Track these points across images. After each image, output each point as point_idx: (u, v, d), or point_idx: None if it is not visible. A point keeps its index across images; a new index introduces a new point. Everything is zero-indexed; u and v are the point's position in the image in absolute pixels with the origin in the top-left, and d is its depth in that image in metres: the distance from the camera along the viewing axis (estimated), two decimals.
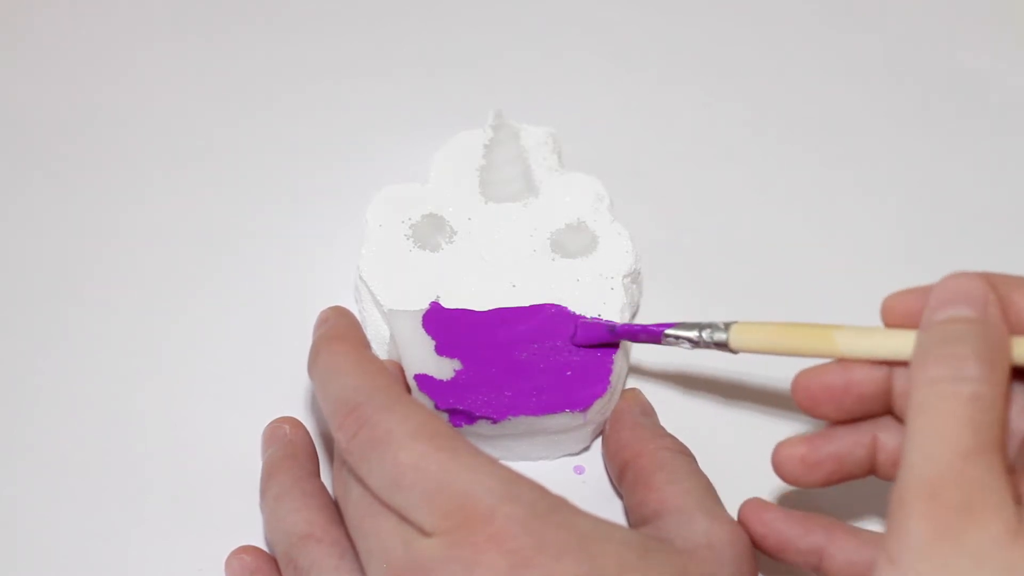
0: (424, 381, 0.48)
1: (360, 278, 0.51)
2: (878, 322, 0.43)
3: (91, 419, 0.51)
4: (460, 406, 0.48)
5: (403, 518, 0.40)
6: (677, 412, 0.50)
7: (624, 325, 0.49)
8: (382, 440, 0.40)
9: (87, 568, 0.48)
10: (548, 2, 0.64)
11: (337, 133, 0.59)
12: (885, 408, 0.44)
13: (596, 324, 0.49)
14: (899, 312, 0.43)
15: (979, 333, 0.39)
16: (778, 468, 0.44)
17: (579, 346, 0.49)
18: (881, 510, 0.43)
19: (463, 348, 0.49)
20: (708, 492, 0.45)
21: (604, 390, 0.48)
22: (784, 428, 0.50)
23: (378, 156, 0.59)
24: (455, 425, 0.48)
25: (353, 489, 0.42)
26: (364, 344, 0.45)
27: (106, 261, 0.55)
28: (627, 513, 0.48)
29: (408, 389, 0.48)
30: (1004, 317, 0.40)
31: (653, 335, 0.47)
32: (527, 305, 0.50)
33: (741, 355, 0.46)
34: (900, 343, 0.42)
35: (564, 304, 0.50)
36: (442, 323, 0.50)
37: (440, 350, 0.49)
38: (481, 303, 0.50)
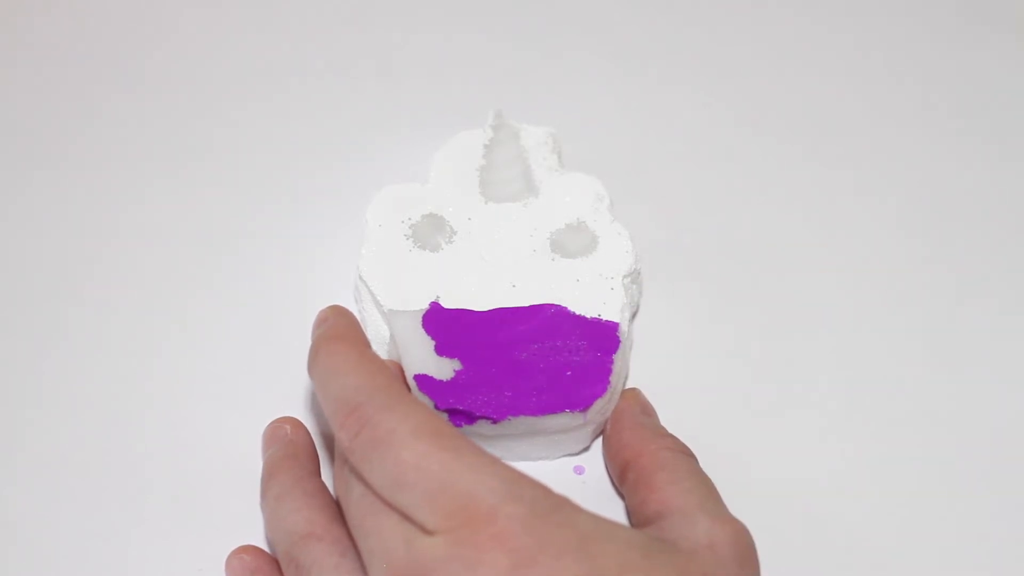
0: (424, 381, 0.48)
1: (360, 278, 0.52)
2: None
3: (91, 419, 0.51)
4: (460, 406, 0.48)
5: (405, 517, 0.40)
6: (677, 412, 0.50)
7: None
8: (384, 439, 0.40)
9: (87, 568, 0.48)
10: (548, 2, 0.64)
11: (337, 133, 0.59)
12: None
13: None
14: None
15: None
16: None
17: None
18: None
19: (463, 348, 0.49)
20: (710, 492, 0.45)
21: (604, 390, 0.48)
22: (784, 428, 0.50)
23: (378, 156, 0.59)
24: (455, 425, 0.48)
25: (354, 488, 0.42)
26: (364, 343, 0.45)
27: (106, 261, 0.55)
28: (628, 513, 0.48)
29: (408, 389, 0.48)
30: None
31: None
32: (527, 305, 0.50)
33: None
34: None
35: (564, 304, 0.50)
36: (442, 323, 0.50)
37: (440, 350, 0.49)
38: (481, 303, 0.50)
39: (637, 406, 0.49)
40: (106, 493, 0.49)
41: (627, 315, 0.51)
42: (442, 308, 0.50)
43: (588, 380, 0.48)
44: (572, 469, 0.50)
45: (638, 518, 0.46)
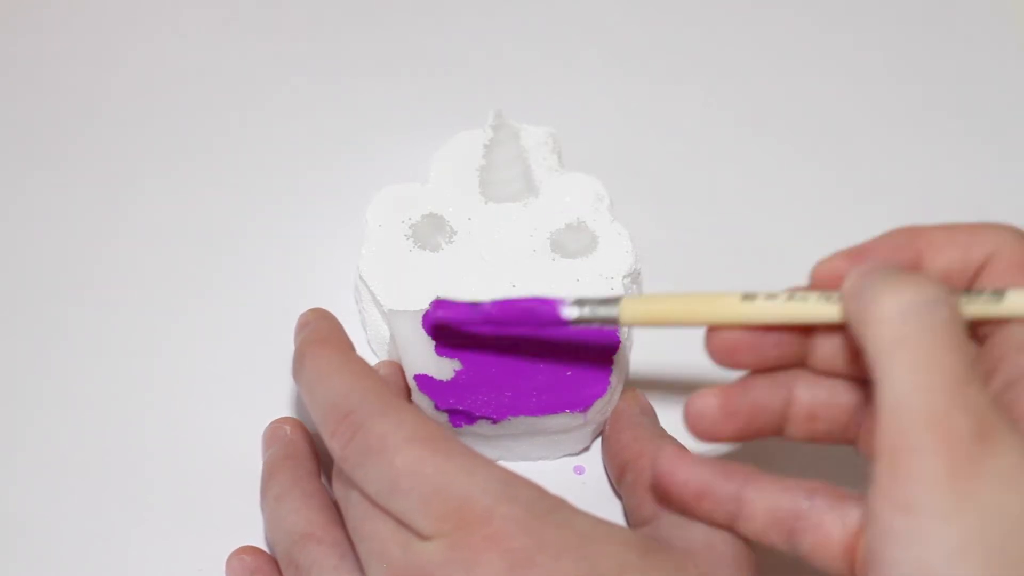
0: (424, 381, 0.48)
1: (360, 278, 0.51)
2: None
3: (91, 419, 0.51)
4: (460, 406, 0.48)
5: (401, 522, 0.40)
6: (677, 412, 0.50)
7: (493, 304, 0.47)
8: (377, 445, 0.40)
9: (87, 568, 0.48)
10: (548, 2, 0.64)
11: (337, 133, 0.59)
12: (800, 358, 0.42)
13: (455, 302, 0.48)
14: (827, 277, 0.41)
15: (921, 272, 0.38)
16: (691, 419, 0.42)
17: (431, 331, 0.48)
18: None
19: (463, 348, 0.49)
20: None
21: (604, 390, 0.48)
22: None
23: (378, 156, 0.59)
24: (455, 425, 0.48)
25: (351, 493, 0.42)
26: (349, 346, 0.44)
27: (106, 261, 0.55)
28: (627, 514, 0.48)
29: (408, 389, 0.48)
30: (907, 244, 0.40)
31: (524, 314, 0.46)
32: None
33: None
34: (809, 307, 0.40)
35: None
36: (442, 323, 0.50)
37: (440, 350, 0.49)
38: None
39: (637, 406, 0.49)
40: (106, 493, 0.49)
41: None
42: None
43: (588, 380, 0.48)
44: (572, 469, 0.50)
45: (636, 518, 0.46)
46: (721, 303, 0.42)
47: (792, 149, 0.59)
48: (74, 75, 0.61)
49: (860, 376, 0.41)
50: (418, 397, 0.48)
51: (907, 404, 0.35)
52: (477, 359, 0.49)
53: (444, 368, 0.48)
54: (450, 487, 0.39)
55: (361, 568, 0.42)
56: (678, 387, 0.52)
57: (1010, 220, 0.57)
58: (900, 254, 0.40)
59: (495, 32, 0.63)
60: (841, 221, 0.57)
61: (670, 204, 0.57)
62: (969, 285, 0.40)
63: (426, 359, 0.48)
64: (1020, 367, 0.37)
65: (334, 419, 0.41)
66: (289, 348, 0.46)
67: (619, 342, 0.49)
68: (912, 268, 0.40)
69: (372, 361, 0.51)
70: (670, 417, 0.49)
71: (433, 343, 0.49)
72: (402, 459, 0.40)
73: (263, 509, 0.47)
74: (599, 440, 0.50)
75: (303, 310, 0.47)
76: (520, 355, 0.49)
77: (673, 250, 0.55)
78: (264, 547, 0.48)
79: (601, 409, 0.49)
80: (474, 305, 0.47)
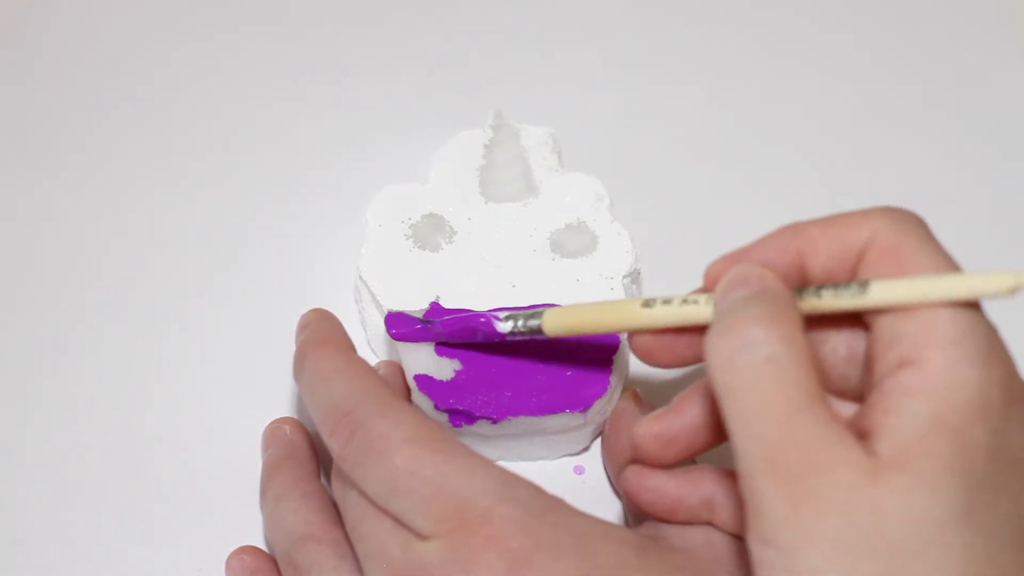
0: (424, 381, 0.48)
1: (360, 278, 0.51)
2: None
3: (91, 419, 0.51)
4: (460, 406, 0.48)
5: (400, 522, 0.40)
6: None
7: (446, 323, 0.48)
8: (376, 446, 0.40)
9: (88, 568, 0.48)
10: (548, 2, 0.64)
11: (337, 133, 0.59)
12: None
13: (410, 320, 0.49)
14: (715, 280, 0.42)
15: (755, 299, 0.38)
16: (638, 449, 0.43)
17: (396, 339, 0.48)
18: None
19: (463, 348, 0.49)
20: None
21: (604, 390, 0.48)
22: None
23: (378, 156, 0.59)
24: (455, 425, 0.48)
25: (350, 493, 0.42)
26: (349, 347, 0.45)
27: (107, 261, 0.55)
28: (626, 513, 0.48)
29: (407, 389, 0.48)
30: (792, 240, 0.40)
31: (470, 331, 0.47)
32: (527, 305, 0.50)
33: None
34: (699, 309, 0.41)
35: (564, 304, 0.50)
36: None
37: (440, 350, 0.49)
38: (481, 303, 0.50)
39: (637, 406, 0.49)
40: (107, 493, 0.49)
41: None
42: (442, 308, 0.50)
43: (588, 380, 0.48)
44: (572, 469, 0.50)
45: (636, 517, 0.46)
46: (625, 310, 0.43)
47: (792, 149, 0.59)
48: (74, 76, 0.62)
49: None
50: (418, 397, 0.48)
51: (745, 453, 0.36)
52: (477, 359, 0.49)
53: (444, 368, 0.48)
54: (449, 487, 0.39)
55: (360, 568, 0.42)
56: (678, 387, 0.52)
57: (1010, 220, 0.57)
58: (782, 256, 0.41)
59: (495, 32, 0.63)
60: None
61: (670, 204, 0.57)
62: (851, 276, 0.40)
63: (426, 359, 0.48)
64: (886, 364, 0.37)
65: (334, 419, 0.41)
66: (289, 348, 0.46)
67: (619, 342, 0.49)
68: (793, 269, 0.40)
69: (372, 361, 0.51)
70: None
71: (433, 343, 0.49)
72: (401, 459, 0.40)
73: (262, 509, 0.47)
74: (599, 440, 0.50)
75: (303, 310, 0.47)
76: (520, 355, 0.49)
77: (673, 250, 0.55)
78: (264, 547, 0.48)
79: (601, 409, 0.49)
80: (425, 325, 0.48)
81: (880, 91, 0.62)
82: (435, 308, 0.50)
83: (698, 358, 0.43)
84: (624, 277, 0.51)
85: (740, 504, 0.40)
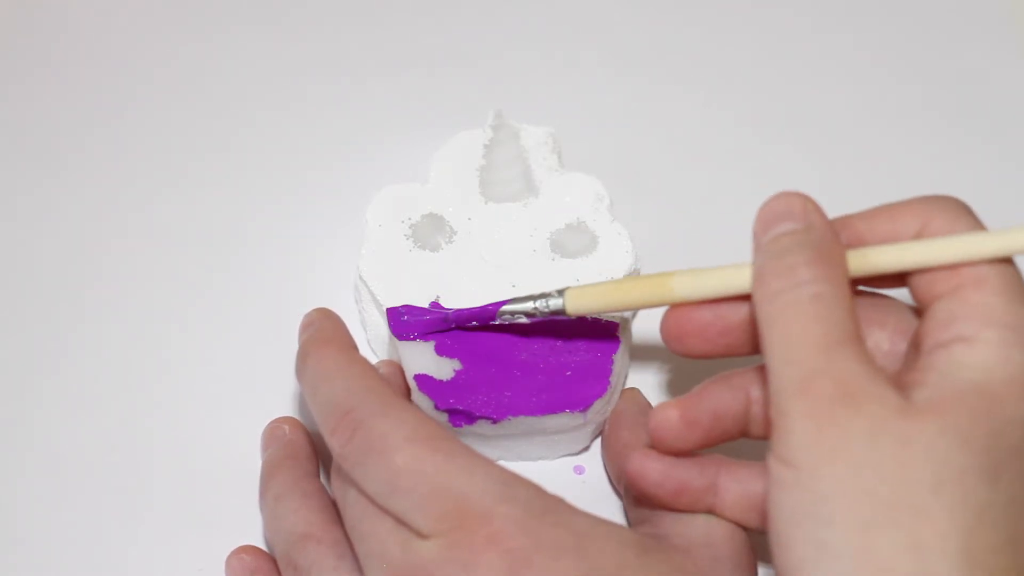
0: (424, 381, 0.48)
1: (360, 278, 0.51)
2: None
3: (92, 419, 0.51)
4: (460, 406, 0.48)
5: (400, 521, 0.40)
6: None
7: (456, 312, 0.49)
8: (377, 444, 0.40)
9: (88, 568, 0.48)
10: (548, 2, 0.64)
11: (337, 133, 0.59)
12: (753, 345, 0.43)
13: (422, 311, 0.49)
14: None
15: (805, 240, 0.39)
16: (656, 432, 0.43)
17: (404, 339, 0.49)
18: None
19: (463, 348, 0.49)
20: None
21: (604, 390, 0.48)
22: None
23: (378, 156, 0.59)
24: (455, 425, 0.48)
25: (350, 492, 0.42)
26: (352, 346, 0.45)
27: (107, 261, 0.55)
28: (626, 512, 0.48)
29: (408, 389, 0.48)
30: (838, 231, 0.41)
31: (488, 315, 0.47)
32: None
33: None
34: (735, 278, 0.42)
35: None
36: None
37: (440, 350, 0.49)
38: (481, 303, 0.50)
39: (636, 406, 0.49)
40: (107, 492, 0.49)
41: (627, 315, 0.51)
42: (442, 308, 0.50)
43: (588, 380, 0.48)
44: (572, 469, 0.50)
45: (636, 517, 0.46)
46: (653, 285, 0.44)
47: (792, 149, 0.59)
48: (75, 76, 0.61)
49: None
50: (418, 397, 0.48)
51: (779, 376, 0.38)
52: (477, 359, 0.49)
53: (444, 368, 0.48)
54: (449, 487, 0.39)
55: (360, 568, 0.42)
56: (678, 387, 0.52)
57: (1010, 220, 0.57)
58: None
59: (495, 32, 0.63)
60: None
61: (670, 204, 0.57)
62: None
63: (426, 359, 0.48)
64: (939, 340, 0.38)
65: (335, 417, 0.42)
66: (289, 348, 0.46)
67: (619, 342, 0.49)
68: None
69: (372, 361, 0.51)
70: None
71: (433, 342, 0.49)
72: (402, 458, 0.40)
73: (262, 509, 0.47)
74: (599, 440, 0.50)
75: (303, 310, 0.47)
76: (520, 355, 0.49)
77: (673, 250, 0.55)
78: (264, 547, 0.48)
79: (601, 409, 0.49)
80: (441, 314, 0.49)
81: (880, 91, 0.62)
82: (435, 308, 0.50)
83: (731, 349, 0.43)
84: (624, 277, 0.51)
85: (745, 493, 0.42)
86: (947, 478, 0.36)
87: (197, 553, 0.48)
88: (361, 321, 0.53)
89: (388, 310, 0.49)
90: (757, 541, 0.44)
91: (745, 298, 0.41)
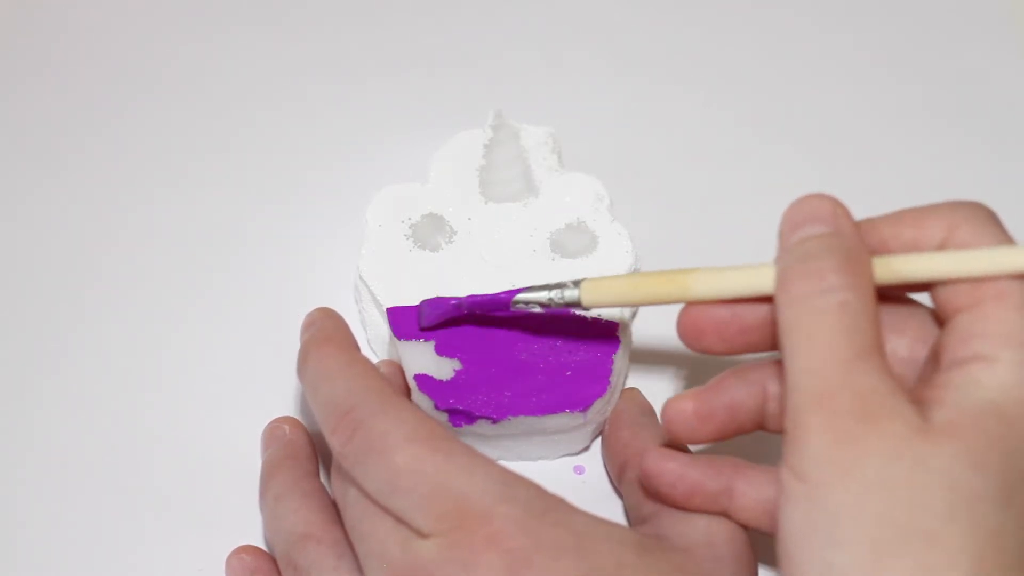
0: (424, 381, 0.48)
1: (360, 278, 0.52)
2: None
3: (91, 419, 0.51)
4: (460, 406, 0.48)
5: (400, 521, 0.40)
6: None
7: (471, 297, 0.48)
8: (377, 444, 0.40)
9: (88, 568, 0.48)
10: (548, 2, 0.64)
11: (337, 133, 0.59)
12: (771, 343, 0.42)
13: (440, 300, 0.49)
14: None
15: (834, 245, 0.39)
16: (670, 424, 0.43)
17: (426, 328, 0.48)
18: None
19: (463, 348, 0.49)
20: None
21: (604, 390, 0.48)
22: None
23: (378, 156, 0.59)
24: (455, 425, 0.48)
25: (350, 491, 0.42)
26: (353, 346, 0.45)
27: (107, 261, 0.55)
28: (627, 512, 0.48)
29: (408, 389, 0.48)
30: (863, 235, 0.40)
31: (502, 304, 0.47)
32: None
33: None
34: (755, 278, 0.41)
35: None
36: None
37: (440, 350, 0.49)
38: None
39: (636, 406, 0.49)
40: (107, 493, 0.49)
41: (627, 314, 0.51)
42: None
43: (588, 380, 0.48)
44: (572, 469, 0.50)
45: (636, 517, 0.46)
46: (671, 281, 0.43)
47: (792, 149, 0.59)
48: (75, 76, 0.62)
49: None
50: (418, 397, 0.48)
51: (798, 385, 0.37)
52: (477, 359, 0.49)
53: (444, 368, 0.48)
54: (449, 486, 0.39)
55: (360, 567, 0.42)
56: (678, 387, 0.52)
57: (1010, 220, 0.57)
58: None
59: (495, 32, 0.63)
60: None
61: (670, 204, 0.57)
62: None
63: (426, 359, 0.48)
64: (957, 356, 0.38)
65: (335, 417, 0.42)
66: (290, 348, 0.46)
67: (619, 342, 0.49)
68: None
69: (372, 361, 0.51)
70: None
71: (433, 342, 0.49)
72: (402, 457, 0.40)
73: (262, 509, 0.47)
74: (599, 440, 0.50)
75: (303, 310, 0.47)
76: (520, 355, 0.49)
77: (673, 250, 0.55)
78: (264, 547, 0.48)
79: (601, 409, 0.49)
80: (456, 302, 0.48)
81: (880, 91, 0.62)
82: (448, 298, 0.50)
83: (748, 348, 0.43)
84: None
85: (760, 497, 0.42)
86: (960, 503, 0.36)
87: (197, 553, 0.48)
88: (361, 321, 0.53)
89: (388, 310, 0.49)
90: (758, 542, 0.44)
91: (764, 299, 0.41)
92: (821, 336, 0.37)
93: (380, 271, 0.51)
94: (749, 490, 0.43)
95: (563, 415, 0.48)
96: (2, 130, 0.60)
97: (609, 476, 0.50)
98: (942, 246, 0.40)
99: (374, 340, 0.52)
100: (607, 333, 0.49)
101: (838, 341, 0.37)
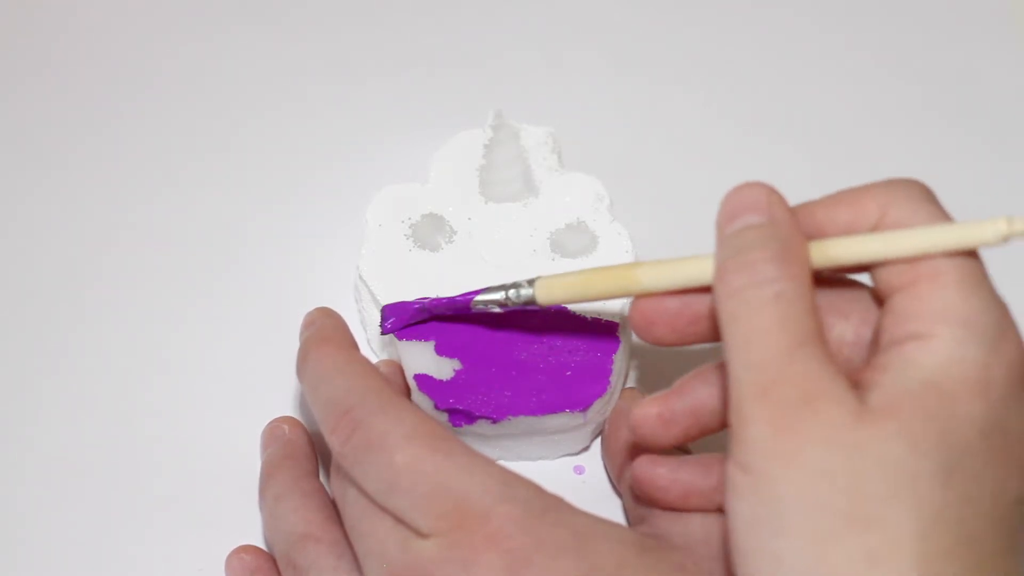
0: (424, 381, 0.48)
1: (360, 278, 0.52)
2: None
3: (92, 419, 0.51)
4: (460, 406, 0.48)
5: (400, 520, 0.40)
6: None
7: (433, 300, 0.49)
8: (376, 443, 0.40)
9: (88, 568, 0.48)
10: (548, 2, 0.64)
11: (337, 133, 0.59)
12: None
13: (404, 305, 0.49)
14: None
15: (768, 235, 0.39)
16: (636, 429, 0.43)
17: (388, 332, 0.49)
18: None
19: (463, 348, 0.49)
20: None
21: (604, 390, 0.48)
22: None
23: (378, 156, 0.59)
24: (455, 425, 0.48)
25: (349, 491, 0.42)
26: (353, 345, 0.45)
27: (106, 261, 0.55)
28: (627, 512, 0.48)
29: (408, 388, 0.49)
30: (800, 220, 0.40)
31: (462, 306, 0.47)
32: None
33: None
34: (700, 269, 0.41)
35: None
36: (442, 322, 0.50)
37: (440, 350, 0.49)
38: None
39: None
40: (107, 493, 0.49)
41: (627, 315, 0.51)
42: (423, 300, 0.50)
43: (588, 380, 0.48)
44: (572, 469, 0.50)
45: (635, 516, 0.46)
46: (618, 275, 0.43)
47: (792, 149, 0.59)
48: (74, 75, 0.62)
49: None
50: (418, 397, 0.48)
51: (739, 378, 0.37)
52: (477, 359, 0.49)
53: (444, 368, 0.48)
54: (449, 486, 0.39)
55: (359, 567, 0.42)
56: None
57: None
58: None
59: (495, 32, 0.63)
60: None
61: (670, 204, 0.57)
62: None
63: (426, 358, 0.48)
64: (895, 336, 0.38)
65: (335, 416, 0.42)
66: (289, 348, 0.46)
67: (619, 342, 0.49)
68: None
69: (372, 361, 0.51)
70: None
71: (433, 342, 0.49)
72: (402, 457, 0.40)
73: (262, 509, 0.47)
74: (599, 440, 0.50)
75: (303, 310, 0.47)
76: (520, 355, 0.49)
77: (673, 250, 0.55)
78: (264, 547, 0.48)
79: (601, 409, 0.49)
80: (419, 304, 0.49)
81: (880, 91, 0.62)
82: (417, 301, 0.50)
83: (699, 338, 0.43)
84: None
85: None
86: (900, 485, 0.35)
87: (197, 553, 0.48)
88: (361, 321, 0.53)
89: (382, 308, 0.49)
90: None
91: (710, 289, 0.41)
92: (759, 328, 0.37)
93: (380, 271, 0.51)
94: None
95: (563, 415, 0.48)
96: (2, 130, 0.60)
97: (609, 476, 0.50)
98: (876, 227, 0.40)
99: (374, 340, 0.52)
100: (607, 333, 0.49)
101: (776, 332, 0.37)
